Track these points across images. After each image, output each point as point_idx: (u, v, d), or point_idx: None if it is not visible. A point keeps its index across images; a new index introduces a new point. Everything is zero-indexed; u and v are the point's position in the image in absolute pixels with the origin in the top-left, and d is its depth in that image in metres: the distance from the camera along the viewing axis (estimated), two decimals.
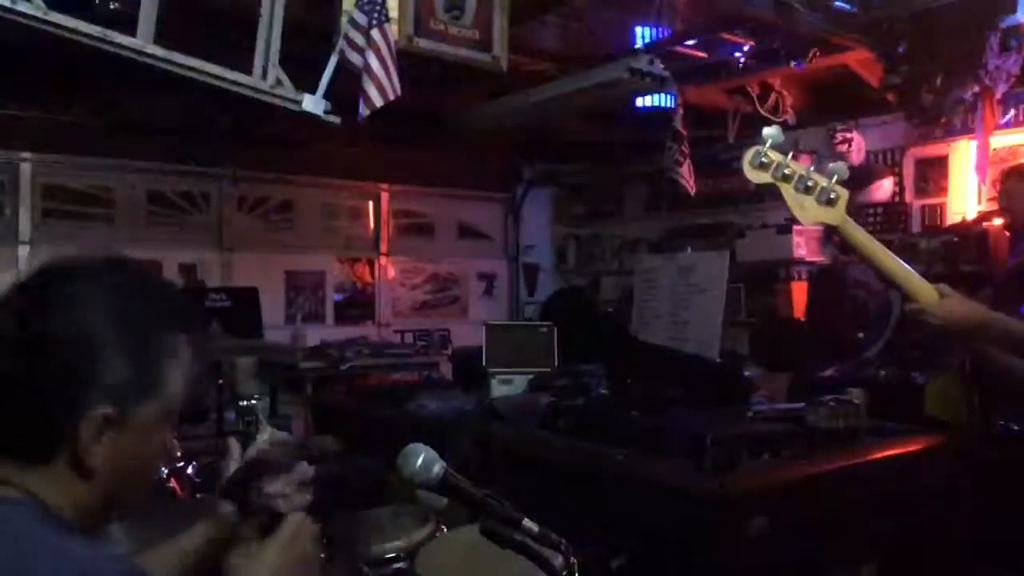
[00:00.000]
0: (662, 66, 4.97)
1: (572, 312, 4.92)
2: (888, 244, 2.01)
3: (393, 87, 3.82)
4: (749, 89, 6.19)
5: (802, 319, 6.09)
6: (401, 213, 8.11)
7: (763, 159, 1.84)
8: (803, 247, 6.15)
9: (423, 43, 4.16)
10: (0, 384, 1.04)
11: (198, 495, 2.91)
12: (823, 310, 5.88)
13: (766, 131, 1.84)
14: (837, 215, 1.86)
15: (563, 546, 1.32)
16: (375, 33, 3.75)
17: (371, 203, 7.91)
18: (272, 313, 6.82)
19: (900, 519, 3.01)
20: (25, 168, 6.20)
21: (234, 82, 3.76)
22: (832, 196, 1.84)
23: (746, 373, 4.41)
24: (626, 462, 3.01)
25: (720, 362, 5.04)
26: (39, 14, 3.31)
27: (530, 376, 4.18)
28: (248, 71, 3.78)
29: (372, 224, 7.92)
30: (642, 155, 7.48)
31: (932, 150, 6.02)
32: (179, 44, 3.71)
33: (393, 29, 3.88)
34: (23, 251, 6.15)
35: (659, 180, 7.09)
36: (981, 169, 5.42)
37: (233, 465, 1.43)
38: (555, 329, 4.41)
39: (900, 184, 6.14)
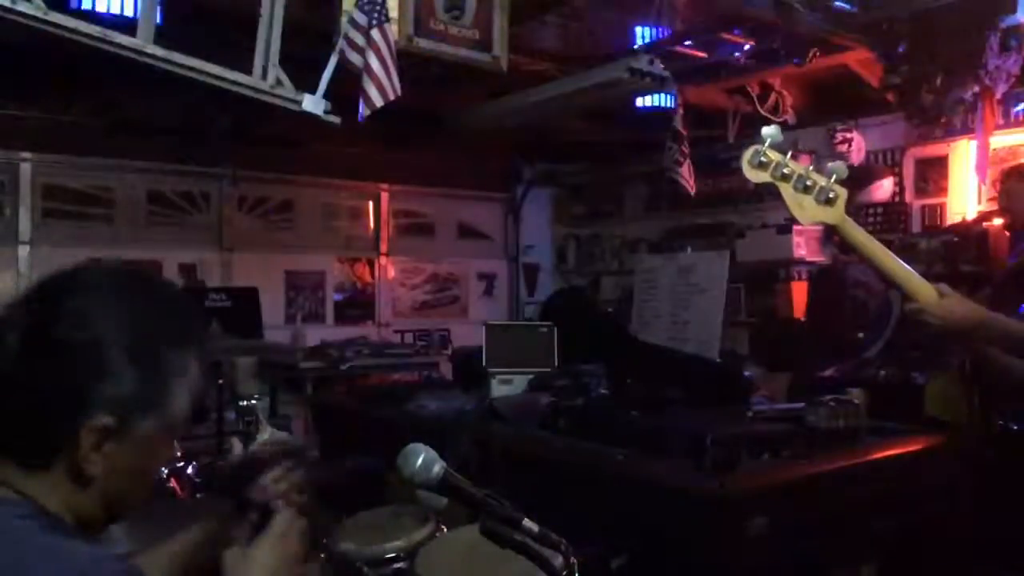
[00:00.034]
0: (662, 66, 4.97)
1: (572, 312, 4.92)
2: (888, 244, 2.01)
3: (393, 87, 3.82)
4: (749, 89, 6.20)
5: (802, 319, 6.09)
6: (401, 213, 8.11)
7: (762, 158, 1.84)
8: (803, 247, 6.15)
9: (423, 43, 4.16)
10: (5, 385, 1.04)
11: (198, 495, 2.91)
12: (823, 310, 5.88)
13: (765, 130, 1.84)
14: (836, 214, 1.86)
15: (563, 546, 1.32)
16: (375, 33, 3.75)
17: (371, 203, 7.91)
18: (272, 313, 6.82)
19: (900, 519, 3.01)
20: (25, 168, 6.20)
21: (234, 82, 3.76)
22: (831, 195, 1.84)
23: (746, 373, 4.41)
24: (626, 462, 3.01)
25: (720, 362, 5.04)
26: (39, 14, 3.31)
27: (530, 376, 4.18)
28: (248, 71, 3.78)
29: (372, 224, 7.92)
30: (642, 155, 7.48)
31: (932, 150, 6.02)
32: (179, 44, 3.71)
33: (393, 29, 3.88)
34: (23, 251, 6.15)
35: (659, 180, 7.09)
36: (981, 169, 5.42)
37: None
38: (555, 329, 4.41)
39: (900, 184, 6.14)
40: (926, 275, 1.95)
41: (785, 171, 1.84)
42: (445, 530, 2.17)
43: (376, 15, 3.75)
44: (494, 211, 8.71)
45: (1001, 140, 5.53)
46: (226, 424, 3.96)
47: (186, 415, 1.14)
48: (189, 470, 2.99)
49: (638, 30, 5.24)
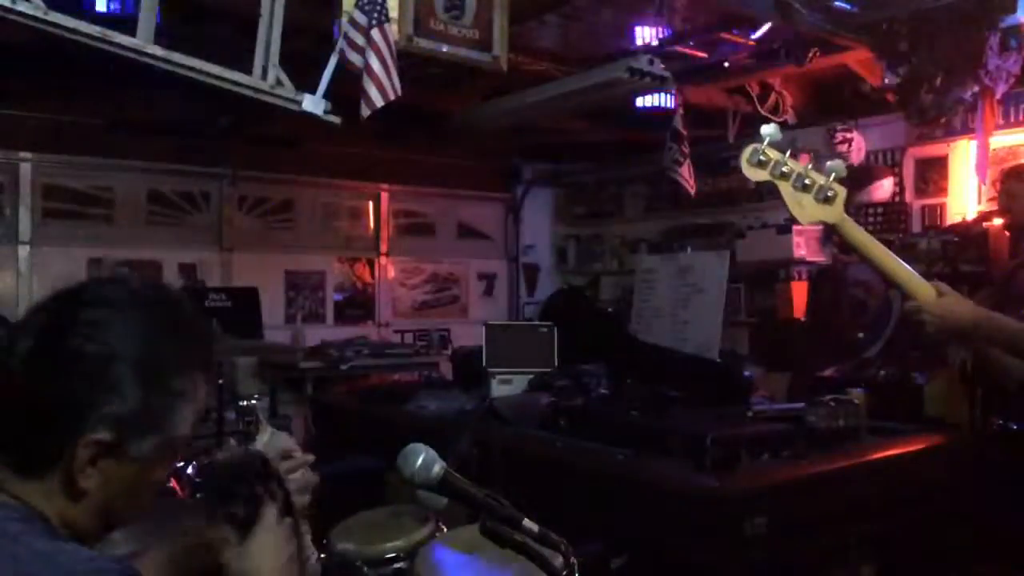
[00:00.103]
0: (662, 66, 4.97)
1: (572, 312, 4.92)
2: (888, 244, 2.01)
3: (393, 87, 3.82)
4: (749, 89, 6.19)
5: (802, 319, 6.09)
6: (401, 213, 8.11)
7: (761, 157, 1.84)
8: (803, 247, 6.15)
9: (423, 43, 4.16)
10: (10, 389, 1.04)
11: (198, 495, 2.91)
12: (823, 310, 5.88)
13: (764, 129, 1.84)
14: (835, 213, 1.85)
15: (563, 546, 1.32)
16: (375, 33, 3.74)
17: (371, 203, 7.91)
18: (272, 313, 6.82)
19: (900, 519, 3.01)
20: (25, 168, 6.20)
21: (234, 82, 3.76)
22: (830, 194, 1.84)
23: (746, 373, 4.41)
24: (626, 462, 3.01)
25: (720, 362, 5.04)
26: (39, 14, 3.31)
27: (530, 376, 4.19)
28: (248, 71, 3.78)
29: (372, 224, 7.92)
30: (642, 155, 7.48)
31: (932, 150, 6.02)
32: (179, 44, 3.71)
33: (393, 29, 3.88)
34: (23, 251, 6.15)
35: (659, 180, 7.09)
36: (981, 169, 5.42)
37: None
38: (555, 329, 4.41)
39: (900, 184, 6.14)
40: (926, 275, 1.95)
41: (784, 169, 1.84)
42: (445, 530, 2.17)
43: (376, 15, 3.75)
44: (494, 211, 8.71)
45: (1001, 140, 5.53)
46: (226, 424, 3.95)
47: (188, 437, 1.13)
48: (189, 470, 2.99)
49: (638, 30, 5.23)
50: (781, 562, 2.66)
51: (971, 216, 5.58)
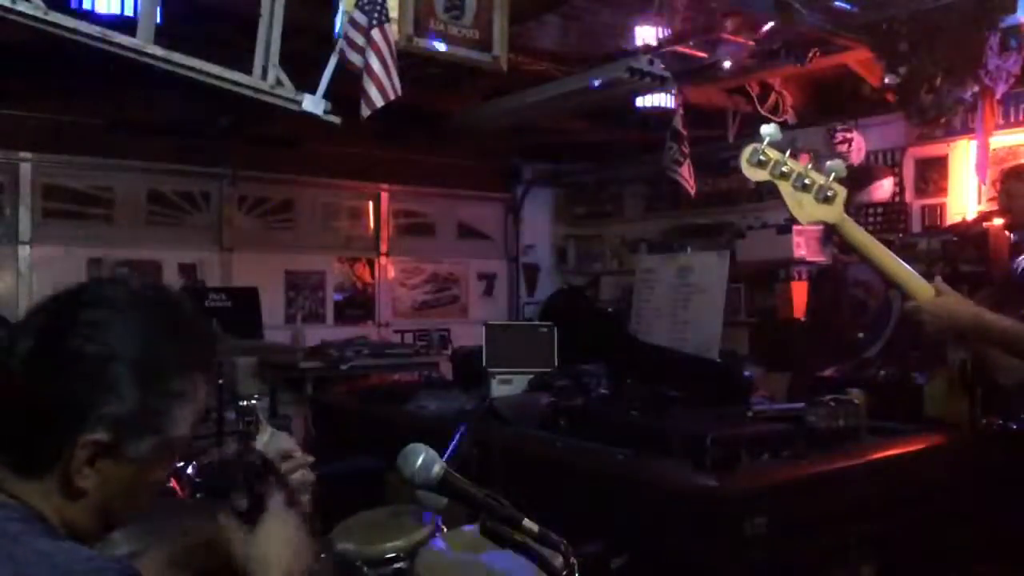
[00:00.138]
0: (662, 66, 4.97)
1: (572, 312, 4.92)
2: (888, 244, 2.00)
3: (394, 87, 3.82)
4: (749, 89, 6.19)
5: (802, 319, 6.09)
6: (401, 213, 8.11)
7: (761, 157, 1.83)
8: (803, 247, 6.15)
9: (423, 43, 4.16)
10: (9, 388, 1.04)
11: (198, 495, 2.91)
12: (823, 310, 5.88)
13: (764, 129, 1.84)
14: (835, 213, 1.85)
15: (563, 546, 1.32)
16: (375, 33, 3.74)
17: (371, 203, 7.91)
18: (272, 313, 6.82)
19: (900, 519, 3.01)
20: (25, 168, 6.20)
21: (234, 82, 3.76)
22: (830, 194, 1.84)
23: (746, 373, 4.41)
24: (626, 462, 3.01)
25: (720, 362, 5.04)
26: (39, 14, 3.31)
27: (530, 376, 4.19)
28: (248, 71, 3.78)
29: (372, 224, 7.92)
30: (642, 155, 7.48)
31: (932, 150, 6.02)
32: (179, 44, 3.71)
33: (393, 29, 3.88)
34: (23, 251, 6.15)
35: (659, 180, 7.09)
36: (981, 169, 5.42)
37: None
38: (555, 329, 4.41)
39: (900, 184, 6.14)
40: (926, 275, 1.94)
41: (784, 169, 1.84)
42: (445, 530, 2.17)
43: (376, 15, 3.75)
44: (494, 211, 8.71)
45: (1001, 140, 5.53)
46: (226, 424, 3.96)
47: (187, 438, 1.13)
48: (189, 470, 2.99)
49: (638, 30, 5.23)
50: (781, 562, 2.66)
51: (971, 216, 5.58)
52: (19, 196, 6.16)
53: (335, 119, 3.91)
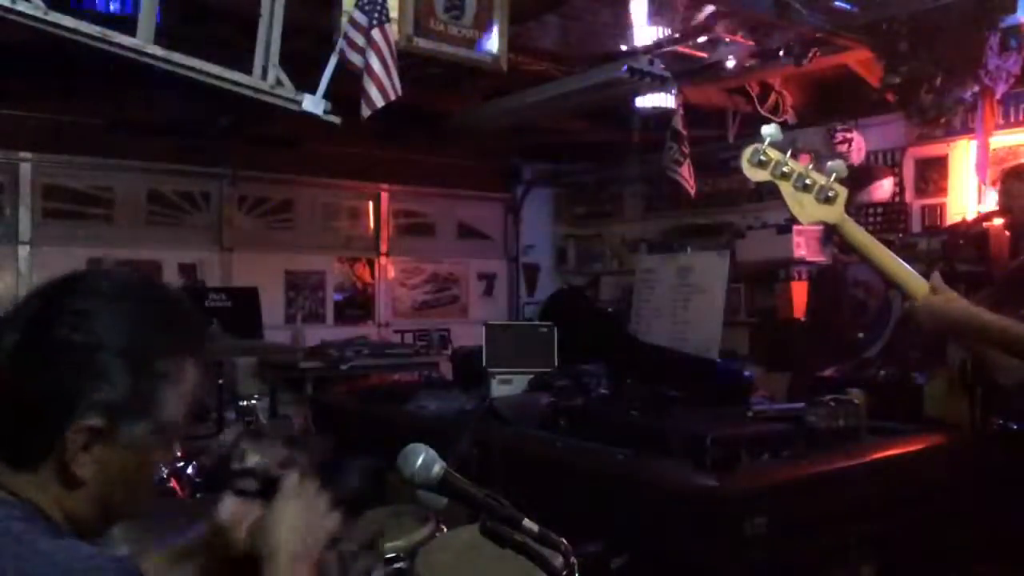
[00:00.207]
0: (662, 66, 4.97)
1: (572, 312, 4.93)
2: (888, 244, 2.00)
3: (394, 87, 3.82)
4: (749, 89, 6.19)
5: (802, 319, 6.09)
6: (401, 213, 8.11)
7: (762, 157, 1.83)
8: (803, 247, 6.15)
9: (423, 43, 4.16)
10: None
11: (198, 495, 2.91)
12: (823, 310, 5.88)
13: (765, 129, 1.84)
14: (836, 213, 1.85)
15: (563, 546, 1.31)
16: (375, 33, 3.75)
17: (371, 203, 7.91)
18: (272, 313, 6.82)
19: (900, 519, 3.01)
20: (25, 168, 6.20)
21: (234, 82, 3.76)
22: (831, 194, 1.84)
23: (746, 373, 4.41)
24: (626, 462, 3.01)
25: (720, 362, 5.04)
26: (39, 14, 3.31)
27: (530, 376, 4.19)
28: (248, 71, 3.78)
29: (372, 224, 7.92)
30: (642, 155, 7.48)
31: (932, 150, 6.02)
32: (179, 44, 3.71)
33: (393, 29, 3.88)
34: (23, 251, 6.15)
35: (659, 180, 7.09)
36: (981, 169, 5.42)
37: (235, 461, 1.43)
38: (555, 329, 4.41)
39: (900, 184, 6.14)
40: (926, 275, 1.94)
41: (785, 170, 1.84)
42: (445, 530, 2.17)
43: (376, 15, 3.75)
44: (494, 211, 8.71)
45: (1001, 140, 5.53)
46: (226, 424, 3.96)
47: (180, 422, 1.14)
48: (189, 470, 2.99)
49: (638, 30, 5.23)
50: (781, 562, 2.66)
51: (971, 216, 5.58)
52: (19, 196, 6.16)
53: (335, 119, 3.91)
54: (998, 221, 4.89)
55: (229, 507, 1.33)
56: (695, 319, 5.47)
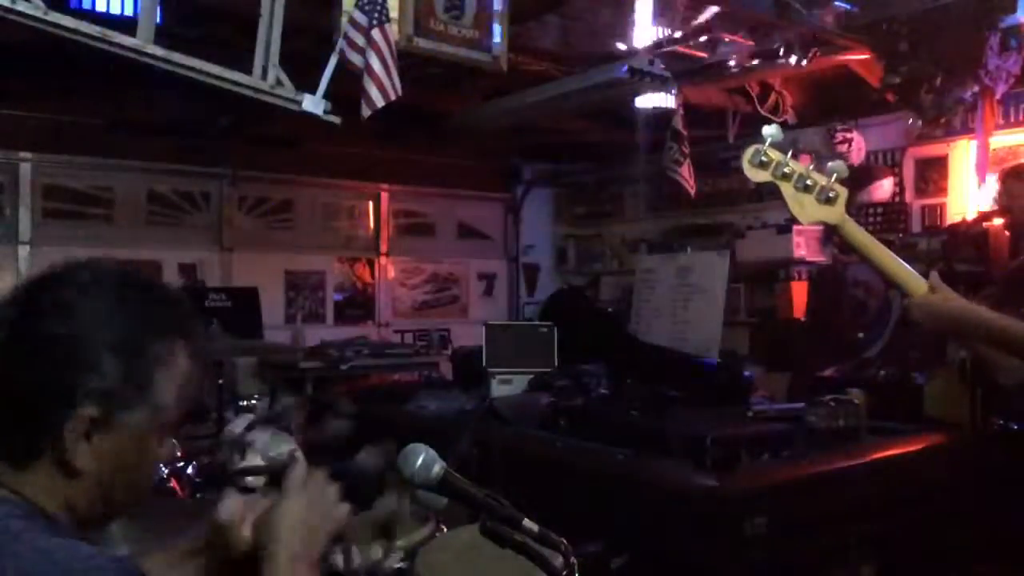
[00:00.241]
0: (662, 66, 4.97)
1: (572, 312, 4.93)
2: (888, 244, 2.00)
3: (394, 87, 3.82)
4: (749, 89, 6.19)
5: (802, 319, 6.09)
6: (401, 213, 8.11)
7: (763, 158, 1.83)
8: (803, 247, 6.15)
9: (423, 43, 4.16)
10: None
11: (198, 495, 2.91)
12: (823, 310, 5.88)
13: (766, 130, 1.84)
14: (836, 214, 1.85)
15: (563, 546, 1.31)
16: (375, 33, 3.75)
17: (371, 203, 7.91)
18: (272, 313, 6.82)
19: (900, 519, 3.01)
20: (25, 168, 6.20)
21: (234, 82, 3.76)
22: (831, 195, 1.84)
23: (746, 373, 4.41)
24: (626, 462, 3.01)
25: (720, 362, 5.04)
26: (39, 14, 3.31)
27: (530, 376, 4.19)
28: (248, 71, 3.78)
29: (372, 224, 7.92)
30: (642, 155, 7.47)
31: (932, 150, 6.02)
32: (179, 44, 3.71)
33: (393, 29, 3.88)
34: (23, 251, 6.15)
35: (659, 180, 7.09)
36: (981, 169, 5.42)
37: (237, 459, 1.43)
38: (555, 329, 4.41)
39: (900, 184, 6.14)
40: (926, 275, 1.94)
41: (786, 170, 1.84)
42: (445, 530, 2.17)
43: (376, 15, 3.75)
44: (494, 211, 8.70)
45: (1001, 140, 5.53)
46: (226, 424, 3.95)
47: (175, 406, 1.14)
48: (189, 470, 2.99)
49: (640, 30, 5.23)
50: (781, 562, 2.66)
51: (971, 216, 5.58)
52: (19, 196, 6.16)
53: (335, 119, 3.91)
54: (998, 221, 4.90)
55: (231, 506, 1.33)
56: (695, 319, 5.47)
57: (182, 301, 1.23)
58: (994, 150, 5.47)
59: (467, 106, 6.33)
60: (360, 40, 3.76)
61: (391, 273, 7.96)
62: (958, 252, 5.13)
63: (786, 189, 1.85)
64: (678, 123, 6.03)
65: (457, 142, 7.23)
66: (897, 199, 6.13)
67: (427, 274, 8.21)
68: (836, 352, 5.23)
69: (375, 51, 3.75)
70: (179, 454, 3.10)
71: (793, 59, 5.29)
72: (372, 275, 7.87)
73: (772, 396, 4.33)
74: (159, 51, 3.59)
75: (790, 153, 1.85)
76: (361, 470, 1.36)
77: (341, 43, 3.80)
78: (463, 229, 8.50)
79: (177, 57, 3.64)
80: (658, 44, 5.17)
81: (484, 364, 4.31)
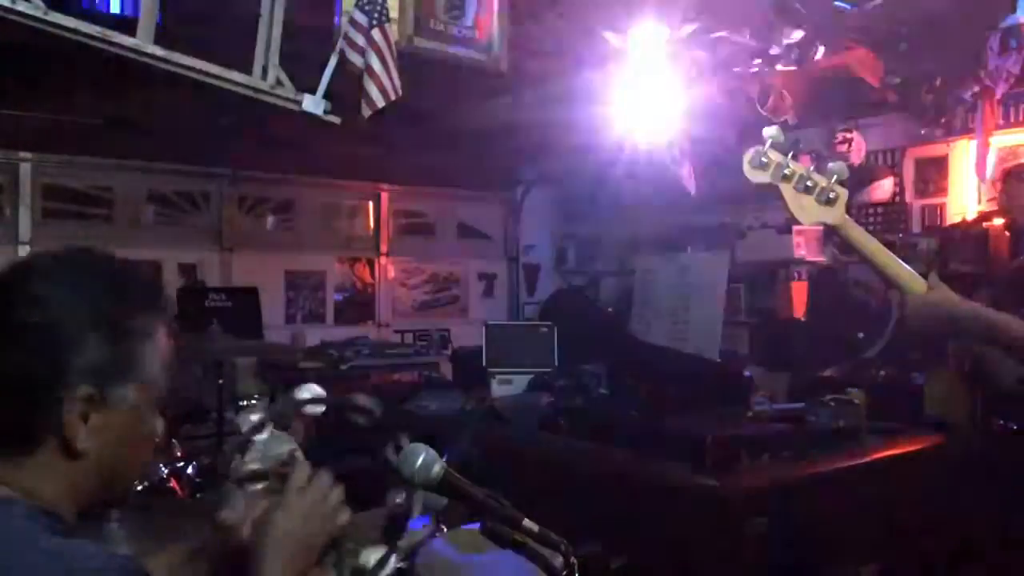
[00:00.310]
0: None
1: (572, 312, 4.93)
2: (888, 244, 2.00)
3: (394, 87, 3.82)
4: (749, 89, 6.18)
5: (802, 319, 6.09)
6: (401, 213, 8.10)
7: (763, 159, 1.83)
8: (803, 247, 6.15)
9: (423, 43, 4.16)
10: None
11: (198, 495, 2.91)
12: (823, 310, 5.88)
13: (766, 131, 1.84)
14: (837, 215, 1.85)
15: (563, 546, 1.32)
16: (375, 33, 3.75)
17: (371, 203, 7.91)
18: (272, 313, 6.82)
19: (900, 519, 3.01)
20: (25, 168, 6.20)
21: (234, 82, 3.76)
22: (832, 196, 1.84)
23: (746, 373, 4.41)
24: (626, 462, 3.01)
25: (720, 362, 5.05)
26: (39, 14, 3.31)
27: (530, 376, 4.19)
28: (248, 71, 3.78)
29: (372, 224, 7.91)
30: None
31: (932, 150, 6.02)
32: (179, 44, 3.71)
33: (393, 29, 3.88)
34: (23, 251, 6.13)
35: (659, 180, 7.07)
36: (981, 169, 5.42)
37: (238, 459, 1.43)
38: (555, 329, 4.42)
39: (900, 184, 6.14)
40: (925, 276, 1.94)
41: (786, 172, 1.84)
42: (445, 530, 2.17)
43: (376, 15, 3.75)
44: (494, 211, 8.70)
45: (1001, 140, 5.53)
46: (226, 424, 3.95)
47: (162, 377, 1.16)
48: (189, 470, 2.99)
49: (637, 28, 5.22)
50: (781, 562, 2.66)
51: (971, 216, 5.58)
52: (19, 196, 6.16)
53: (335, 119, 3.91)
54: (998, 221, 4.90)
55: (236, 506, 1.33)
56: (695, 319, 5.48)
57: (153, 282, 1.26)
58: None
59: (467, 106, 6.33)
60: (360, 40, 3.76)
61: (391, 273, 7.96)
62: (956, 252, 5.13)
63: (787, 191, 1.86)
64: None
65: (457, 142, 7.23)
66: (897, 199, 6.13)
67: (427, 274, 8.21)
68: (836, 352, 5.23)
69: (375, 51, 3.75)
70: (179, 454, 3.11)
71: (793, 59, 5.29)
72: (372, 275, 7.86)
73: (772, 396, 4.33)
74: (159, 51, 3.59)
75: (791, 154, 1.85)
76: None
77: (341, 43, 3.81)
78: (463, 229, 8.49)
79: (177, 57, 3.64)
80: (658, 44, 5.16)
81: (484, 364, 4.31)
